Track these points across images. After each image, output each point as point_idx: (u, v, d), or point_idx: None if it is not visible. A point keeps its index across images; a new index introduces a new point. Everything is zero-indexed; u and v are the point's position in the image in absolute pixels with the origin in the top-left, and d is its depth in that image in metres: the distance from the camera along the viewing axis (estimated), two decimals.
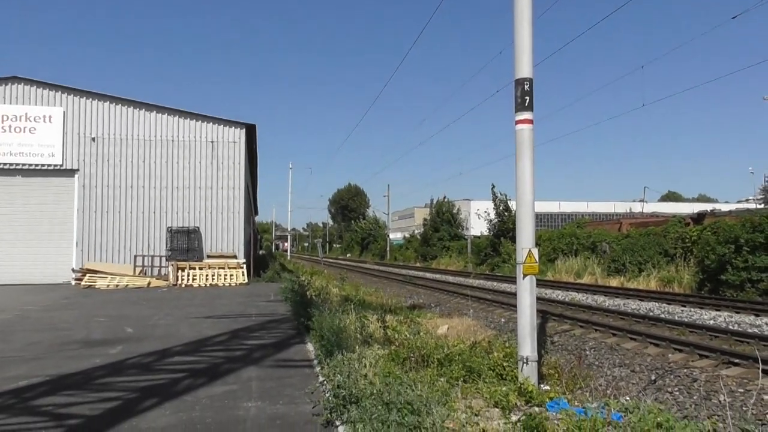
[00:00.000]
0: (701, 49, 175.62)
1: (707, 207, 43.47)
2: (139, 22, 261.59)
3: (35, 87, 24.95)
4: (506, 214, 39.63)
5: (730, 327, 13.04)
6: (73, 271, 24.14)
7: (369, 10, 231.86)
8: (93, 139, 25.06)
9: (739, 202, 70.86)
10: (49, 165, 24.73)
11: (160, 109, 25.88)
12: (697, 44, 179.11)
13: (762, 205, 30.39)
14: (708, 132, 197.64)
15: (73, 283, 23.71)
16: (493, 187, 41.42)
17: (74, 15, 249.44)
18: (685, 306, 17.14)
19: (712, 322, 13.95)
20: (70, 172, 24.97)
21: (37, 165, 24.62)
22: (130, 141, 25.41)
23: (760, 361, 7.65)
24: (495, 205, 41.12)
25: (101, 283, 22.78)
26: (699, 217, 26.74)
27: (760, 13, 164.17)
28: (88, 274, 23.32)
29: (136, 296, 18.97)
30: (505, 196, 40.09)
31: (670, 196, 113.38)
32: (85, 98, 25.25)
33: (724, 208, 39.54)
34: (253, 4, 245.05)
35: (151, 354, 8.97)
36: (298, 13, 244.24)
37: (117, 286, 22.67)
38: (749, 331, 12.39)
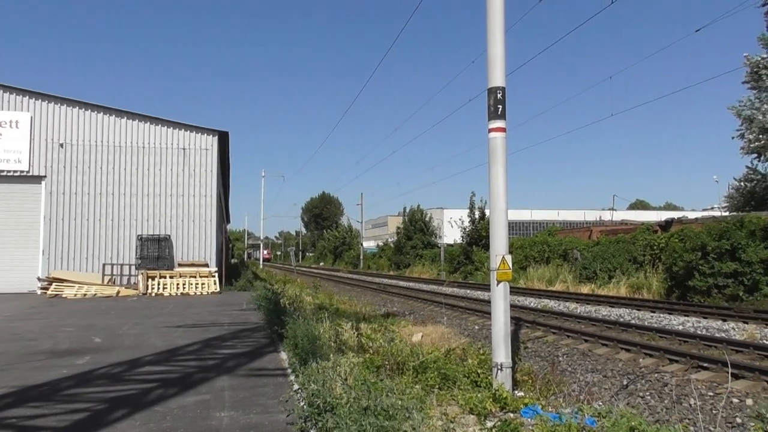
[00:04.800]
0: (667, 61, 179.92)
1: (674, 215, 44.32)
2: (108, 27, 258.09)
3: (1, 91, 24.36)
4: (481, 222, 39.89)
5: (699, 332, 13.28)
6: (39, 279, 23.55)
7: (342, 18, 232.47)
8: (61, 145, 24.57)
9: (704, 210, 72.43)
10: (15, 171, 24.15)
11: (131, 116, 25.50)
12: (663, 56, 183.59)
13: (726, 213, 31.08)
14: (674, 141, 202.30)
15: (39, 292, 23.12)
16: (473, 195, 41.73)
17: (42, 17, 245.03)
18: (654, 312, 17.42)
19: (681, 327, 14.19)
20: (37, 179, 24.42)
21: (2, 171, 24.02)
22: (99, 147, 24.98)
23: (729, 365, 7.80)
24: (470, 212, 41.37)
25: (68, 292, 22.27)
26: (666, 225, 27.23)
27: (723, 27, 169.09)
28: (54, 283, 22.78)
29: (105, 305, 18.58)
30: (484, 203, 40.30)
31: (639, 205, 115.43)
32: (53, 103, 24.76)
33: (691, 215, 40.37)
34: (227, 11, 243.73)
35: (120, 364, 8.77)
36: (271, 21, 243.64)
37: (85, 295, 22.19)
38: (717, 335, 12.64)
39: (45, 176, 24.40)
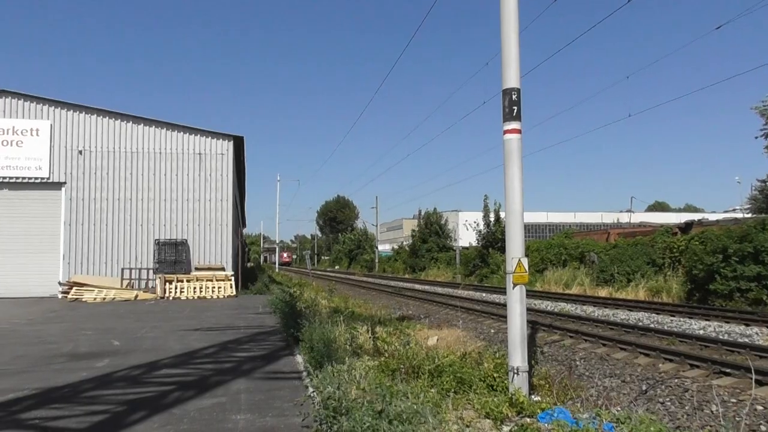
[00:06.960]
0: (686, 59, 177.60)
1: (694, 216, 43.78)
2: (125, 34, 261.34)
3: (22, 100, 24.79)
4: (496, 224, 39.77)
5: (721, 337, 13.06)
6: (60, 284, 23.88)
7: (357, 21, 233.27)
8: (80, 152, 24.91)
9: (726, 211, 71.46)
10: (36, 178, 24.54)
11: (148, 122, 25.79)
12: (682, 54, 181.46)
13: (749, 215, 30.63)
14: (694, 142, 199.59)
15: (60, 296, 23.44)
16: (486, 198, 41.75)
17: (61, 28, 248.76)
18: (674, 316, 17.17)
19: (702, 331, 13.97)
20: (57, 185, 24.77)
21: (24, 178, 24.42)
22: (117, 153, 25.29)
23: (753, 371, 7.63)
24: (485, 216, 41.27)
25: (88, 296, 22.55)
26: (686, 227, 26.90)
27: (744, 23, 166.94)
28: (74, 287, 23.08)
29: (124, 309, 18.78)
30: (498, 206, 40.23)
31: (657, 206, 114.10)
32: (72, 111, 25.13)
33: (711, 217, 39.83)
34: (242, 17, 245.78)
35: (138, 367, 8.85)
36: (286, 25, 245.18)
37: (104, 299, 22.44)
38: (740, 340, 12.40)
39: (65, 183, 24.75)
